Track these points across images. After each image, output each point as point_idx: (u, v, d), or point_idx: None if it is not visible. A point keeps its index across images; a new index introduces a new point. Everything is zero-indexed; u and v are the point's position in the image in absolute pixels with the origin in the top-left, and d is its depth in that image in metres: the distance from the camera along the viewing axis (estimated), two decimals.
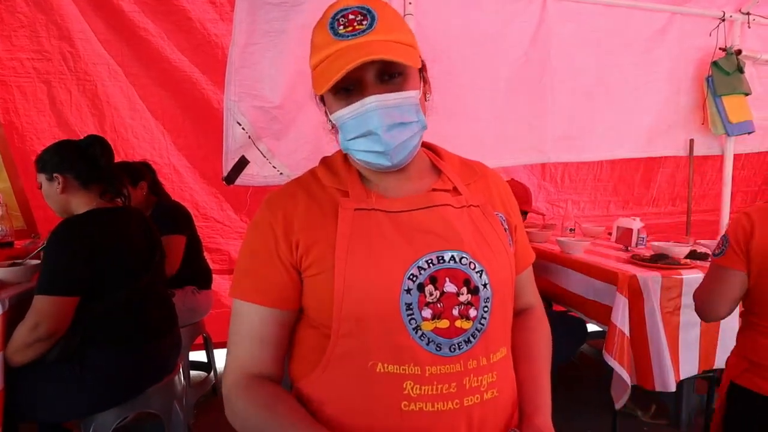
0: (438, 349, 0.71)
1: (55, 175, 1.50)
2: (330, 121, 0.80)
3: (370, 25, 0.70)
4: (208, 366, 2.50)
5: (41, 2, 2.19)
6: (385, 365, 0.70)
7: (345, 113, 0.74)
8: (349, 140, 0.76)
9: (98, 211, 1.50)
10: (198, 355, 2.55)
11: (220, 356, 2.59)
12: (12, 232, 2.03)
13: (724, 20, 2.84)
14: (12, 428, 1.47)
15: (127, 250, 1.51)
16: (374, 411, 0.71)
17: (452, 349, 0.72)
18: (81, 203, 1.52)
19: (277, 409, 0.72)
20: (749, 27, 2.90)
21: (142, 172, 2.23)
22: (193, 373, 2.54)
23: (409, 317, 0.70)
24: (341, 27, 0.71)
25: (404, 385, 0.70)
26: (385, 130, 0.72)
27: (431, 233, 0.75)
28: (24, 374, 1.43)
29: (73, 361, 1.42)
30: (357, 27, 0.70)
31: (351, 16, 0.71)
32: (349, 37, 0.70)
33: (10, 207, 2.15)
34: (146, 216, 1.73)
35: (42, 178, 1.53)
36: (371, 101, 0.71)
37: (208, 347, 2.46)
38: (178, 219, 2.20)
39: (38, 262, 1.70)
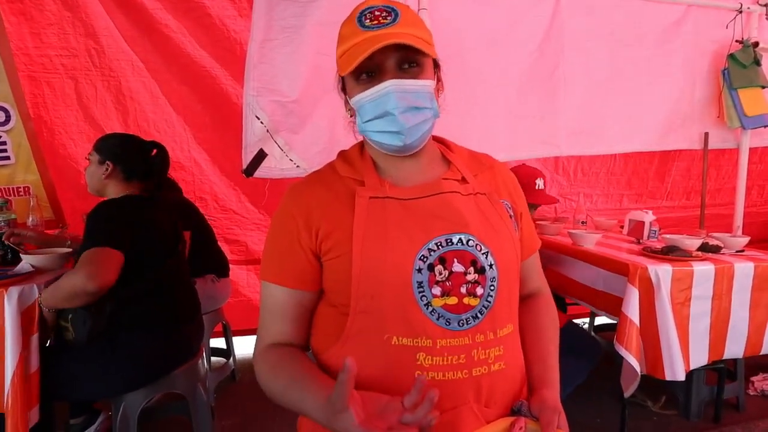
0: (447, 323, 0.76)
1: (107, 162, 1.61)
2: (349, 108, 0.87)
3: (394, 20, 0.78)
4: (227, 352, 2.58)
5: (68, 0, 2.25)
6: (400, 338, 0.76)
7: (365, 96, 0.80)
8: (366, 122, 0.82)
9: (132, 196, 1.62)
10: (217, 342, 2.63)
11: (238, 343, 2.67)
12: (42, 222, 2.12)
13: (741, 12, 2.81)
14: (47, 407, 1.55)
15: (154, 233, 1.59)
16: (390, 379, 0.76)
17: (461, 324, 0.77)
18: (115, 191, 1.63)
19: (283, 366, 0.80)
20: (767, 18, 2.87)
21: None
22: (213, 359, 2.63)
23: (421, 294, 0.76)
24: (367, 20, 0.78)
25: (417, 356, 0.75)
26: (400, 111, 0.78)
27: (440, 218, 0.80)
28: (57, 355, 1.52)
29: (103, 342, 1.49)
30: (382, 21, 0.78)
31: (377, 12, 0.79)
32: (374, 29, 0.77)
33: (40, 198, 2.24)
34: (175, 207, 1.82)
35: (94, 157, 1.63)
36: (389, 84, 0.78)
37: (227, 334, 2.54)
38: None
39: (69, 250, 1.79)
